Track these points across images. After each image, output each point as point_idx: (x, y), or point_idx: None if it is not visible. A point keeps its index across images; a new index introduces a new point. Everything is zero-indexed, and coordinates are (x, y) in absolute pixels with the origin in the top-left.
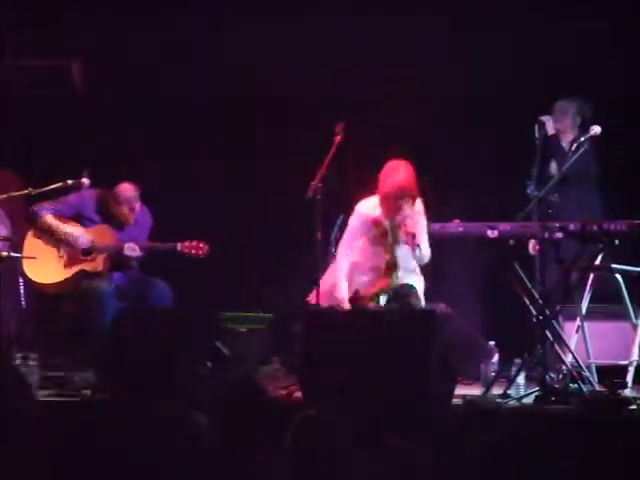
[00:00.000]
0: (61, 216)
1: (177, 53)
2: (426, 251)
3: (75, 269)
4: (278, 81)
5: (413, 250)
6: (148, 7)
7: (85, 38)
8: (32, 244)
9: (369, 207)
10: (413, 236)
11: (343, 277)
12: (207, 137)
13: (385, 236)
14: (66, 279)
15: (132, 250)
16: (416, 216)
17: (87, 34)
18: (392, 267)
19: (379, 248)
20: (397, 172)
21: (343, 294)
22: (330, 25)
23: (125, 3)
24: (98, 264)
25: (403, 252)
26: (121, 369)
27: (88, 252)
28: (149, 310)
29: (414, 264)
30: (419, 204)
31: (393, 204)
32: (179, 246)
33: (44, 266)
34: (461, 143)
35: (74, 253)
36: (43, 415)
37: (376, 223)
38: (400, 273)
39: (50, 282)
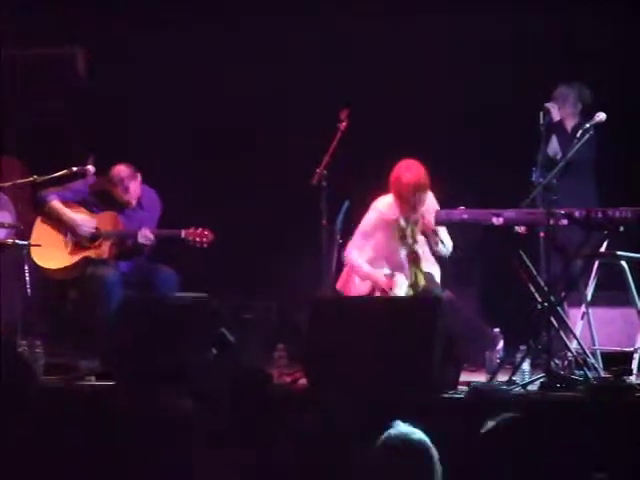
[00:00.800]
0: (68, 202)
1: (180, 48)
2: (449, 242)
3: (80, 255)
4: (281, 71)
5: (436, 245)
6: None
7: (87, 27)
8: (40, 230)
9: (386, 206)
10: (435, 232)
11: (368, 267)
12: (210, 125)
13: (403, 236)
14: (71, 265)
15: (146, 238)
16: (432, 211)
17: (89, 23)
18: (413, 263)
19: (395, 244)
20: (409, 171)
21: (381, 275)
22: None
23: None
24: (104, 251)
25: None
26: (125, 356)
27: (94, 238)
28: (153, 297)
29: (429, 254)
30: (431, 198)
31: (409, 202)
32: (183, 233)
33: (50, 252)
34: (462, 133)
35: (80, 239)
36: (46, 399)
37: (394, 223)
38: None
39: (55, 268)
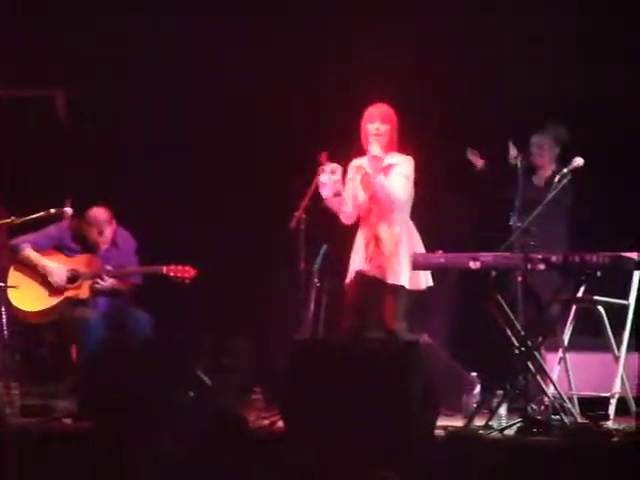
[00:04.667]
0: (41, 248)
1: (158, 90)
2: (397, 189)
3: (61, 297)
4: (261, 113)
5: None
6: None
7: (65, 66)
8: (16, 276)
9: (357, 160)
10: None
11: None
12: (190, 167)
13: (367, 177)
14: (52, 307)
15: (101, 283)
16: (395, 166)
17: (67, 62)
18: (378, 242)
19: (363, 228)
20: (373, 106)
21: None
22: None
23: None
24: (84, 291)
25: (385, 233)
26: (103, 398)
27: (73, 280)
28: (131, 340)
29: (400, 248)
30: (400, 159)
31: (365, 132)
32: (165, 269)
33: (30, 294)
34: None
35: (56, 284)
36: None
37: (360, 167)
38: (386, 249)
39: (36, 310)
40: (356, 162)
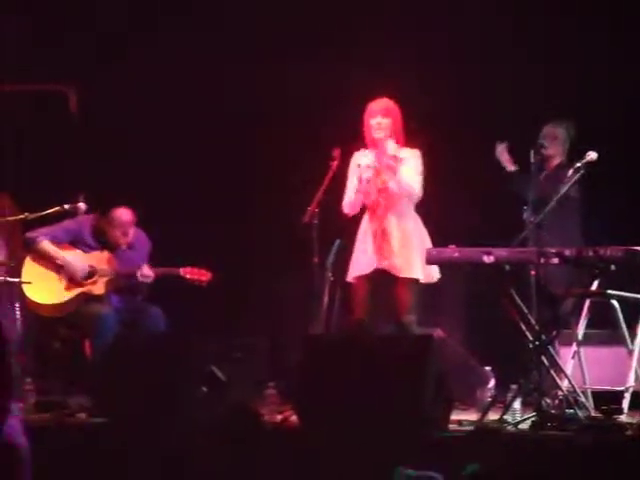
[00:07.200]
0: (59, 242)
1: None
2: (413, 184)
3: (76, 291)
4: (273, 106)
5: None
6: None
7: (80, 63)
8: (32, 268)
9: (362, 152)
10: (394, 159)
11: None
12: (201, 163)
13: (377, 174)
14: (67, 300)
15: (146, 277)
16: (405, 160)
17: (82, 58)
18: (385, 235)
19: (370, 222)
20: (375, 100)
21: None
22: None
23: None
24: (100, 288)
25: (393, 226)
26: (117, 394)
27: (89, 276)
28: (145, 336)
29: (409, 240)
30: (409, 153)
31: (369, 128)
32: (182, 271)
33: (45, 287)
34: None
35: (75, 276)
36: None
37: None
38: (395, 242)
39: (51, 303)
40: (363, 155)
